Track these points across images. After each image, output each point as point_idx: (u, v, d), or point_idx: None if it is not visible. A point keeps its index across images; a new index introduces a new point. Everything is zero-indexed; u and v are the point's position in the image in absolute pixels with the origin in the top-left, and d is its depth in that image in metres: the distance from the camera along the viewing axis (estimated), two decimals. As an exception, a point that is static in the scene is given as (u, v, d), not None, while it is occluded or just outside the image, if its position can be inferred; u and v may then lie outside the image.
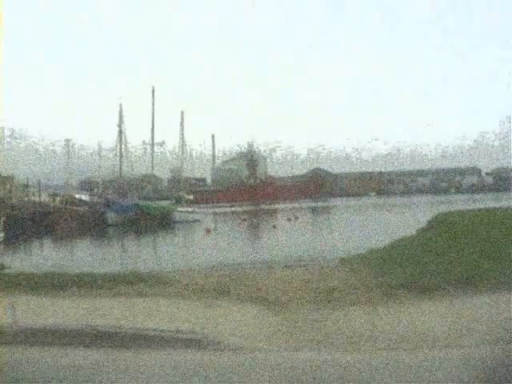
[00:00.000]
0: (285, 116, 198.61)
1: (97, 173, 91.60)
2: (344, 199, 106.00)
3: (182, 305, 10.97)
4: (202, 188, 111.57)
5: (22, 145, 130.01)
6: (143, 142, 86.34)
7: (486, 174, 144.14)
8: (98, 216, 55.27)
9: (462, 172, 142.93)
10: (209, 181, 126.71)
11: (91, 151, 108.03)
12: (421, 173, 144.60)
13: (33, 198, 59.79)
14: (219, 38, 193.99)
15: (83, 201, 61.69)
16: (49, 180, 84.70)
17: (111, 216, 55.57)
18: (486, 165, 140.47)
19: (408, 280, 11.98)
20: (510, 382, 4.99)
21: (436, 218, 32.16)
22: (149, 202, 62.46)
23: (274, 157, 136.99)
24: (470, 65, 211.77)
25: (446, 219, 29.90)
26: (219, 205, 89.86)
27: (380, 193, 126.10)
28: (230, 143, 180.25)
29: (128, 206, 57.88)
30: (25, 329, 8.03)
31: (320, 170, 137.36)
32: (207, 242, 38.86)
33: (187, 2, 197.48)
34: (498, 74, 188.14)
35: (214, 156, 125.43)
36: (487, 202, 64.70)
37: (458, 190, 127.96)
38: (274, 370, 6.21)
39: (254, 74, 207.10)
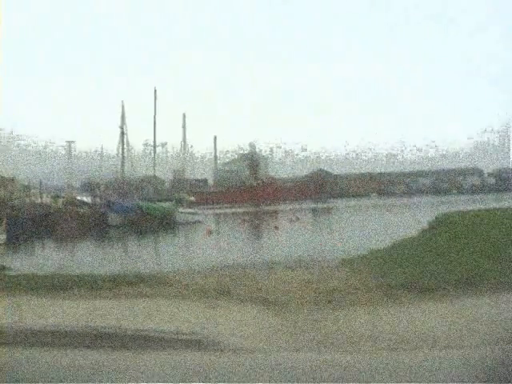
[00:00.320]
0: (286, 117, 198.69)
1: (98, 174, 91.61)
2: (346, 200, 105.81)
3: (184, 306, 10.96)
4: (203, 189, 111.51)
5: (23, 146, 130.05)
6: (145, 143, 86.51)
7: (488, 174, 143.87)
8: (100, 217, 55.28)
9: (464, 172, 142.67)
10: (210, 182, 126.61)
11: (93, 152, 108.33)
12: (422, 173, 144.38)
13: (34, 200, 59.85)
14: (220, 39, 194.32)
15: (85, 202, 61.70)
16: (50, 181, 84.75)
17: (113, 217, 55.57)
18: (488, 165, 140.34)
19: (409, 281, 11.97)
20: (510, 382, 4.99)
21: (437, 218, 32.12)
22: (150, 203, 62.40)
23: (276, 158, 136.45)
24: (472, 64, 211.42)
25: (448, 220, 29.85)
26: (221, 206, 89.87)
27: (382, 193, 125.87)
28: (232, 144, 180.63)
29: (129, 207, 57.88)
30: (26, 330, 8.06)
31: (322, 170, 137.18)
32: (209, 243, 38.87)
33: (189, 2, 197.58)
34: (500, 74, 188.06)
35: (215, 157, 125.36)
36: (489, 202, 64.62)
37: (460, 190, 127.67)
38: (274, 371, 6.22)
39: (256, 74, 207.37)
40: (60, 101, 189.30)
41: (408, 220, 47.12)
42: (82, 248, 39.46)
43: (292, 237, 40.72)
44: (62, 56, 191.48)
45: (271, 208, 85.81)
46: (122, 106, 74.81)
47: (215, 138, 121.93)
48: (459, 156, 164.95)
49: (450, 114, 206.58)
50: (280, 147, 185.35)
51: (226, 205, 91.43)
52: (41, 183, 65.22)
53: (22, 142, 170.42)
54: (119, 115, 74.75)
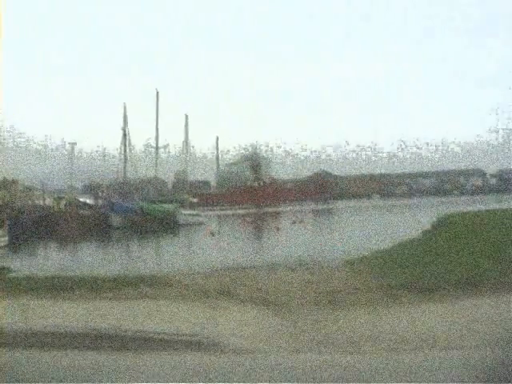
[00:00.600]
0: (288, 117, 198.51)
1: (101, 175, 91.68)
2: (347, 201, 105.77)
3: (186, 307, 10.98)
4: (205, 190, 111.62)
5: (24, 147, 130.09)
6: (147, 144, 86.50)
7: (491, 175, 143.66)
8: (102, 218, 55.33)
9: (466, 173, 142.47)
10: (213, 183, 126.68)
11: (94, 153, 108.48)
12: (424, 174, 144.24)
13: (37, 202, 59.94)
14: (223, 40, 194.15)
15: (87, 204, 61.75)
16: (52, 182, 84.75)
17: (115, 219, 55.62)
18: (490, 166, 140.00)
19: (411, 281, 11.99)
20: (510, 382, 5.00)
21: (439, 219, 32.14)
22: (153, 205, 62.44)
23: (278, 158, 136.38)
24: (475, 63, 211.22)
25: (449, 220, 29.87)
26: (223, 207, 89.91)
27: (384, 195, 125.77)
28: (234, 145, 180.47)
29: (131, 209, 57.95)
30: (27, 331, 8.07)
31: (324, 172, 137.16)
32: (211, 245, 38.88)
33: (190, 3, 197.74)
34: (503, 73, 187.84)
35: (218, 158, 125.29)
36: (491, 203, 64.57)
37: (462, 191, 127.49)
38: (274, 371, 6.23)
39: (257, 74, 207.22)
40: (61, 102, 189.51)
41: (410, 221, 47.11)
42: (84, 249, 39.51)
43: (294, 238, 40.73)
44: (63, 56, 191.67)
45: (273, 209, 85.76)
46: (124, 108, 74.93)
47: (217, 138, 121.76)
48: (461, 157, 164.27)
49: (452, 114, 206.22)
50: (281, 147, 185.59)
51: (227, 206, 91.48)
52: (42, 185, 65.27)
53: (24, 143, 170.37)
54: (121, 116, 74.91)
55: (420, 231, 28.84)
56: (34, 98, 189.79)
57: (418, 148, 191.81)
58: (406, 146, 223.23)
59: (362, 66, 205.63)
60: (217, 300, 11.55)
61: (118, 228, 53.80)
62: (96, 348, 7.55)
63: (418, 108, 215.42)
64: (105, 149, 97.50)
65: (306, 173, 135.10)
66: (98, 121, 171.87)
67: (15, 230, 43.56)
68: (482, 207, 49.50)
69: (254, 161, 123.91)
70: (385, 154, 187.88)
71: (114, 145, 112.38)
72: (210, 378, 5.98)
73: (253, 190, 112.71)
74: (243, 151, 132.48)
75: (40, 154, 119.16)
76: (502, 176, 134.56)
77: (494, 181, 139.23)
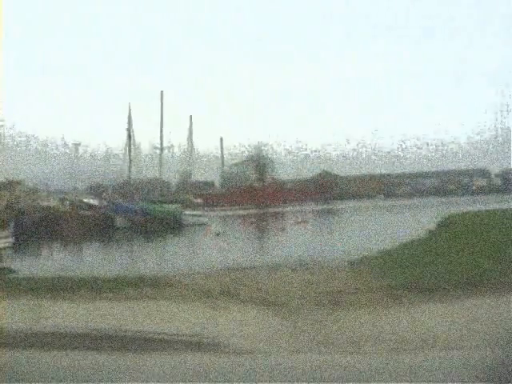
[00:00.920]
0: (291, 118, 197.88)
1: (104, 176, 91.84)
2: (351, 202, 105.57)
3: (190, 308, 11.02)
4: (209, 191, 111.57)
5: (29, 148, 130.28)
6: (151, 145, 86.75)
7: (495, 175, 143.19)
8: (106, 219, 55.39)
9: (470, 173, 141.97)
10: (216, 184, 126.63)
11: (99, 154, 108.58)
12: (428, 174, 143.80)
13: (41, 203, 60.05)
14: (225, 40, 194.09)
15: (91, 205, 61.83)
16: (57, 184, 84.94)
17: (119, 220, 55.72)
18: (495, 166, 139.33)
19: (416, 282, 12.01)
20: (510, 382, 5.01)
21: (443, 220, 32.17)
22: (156, 206, 62.50)
23: (281, 159, 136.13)
24: (480, 62, 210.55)
25: (454, 221, 29.90)
26: (227, 208, 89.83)
27: (387, 195, 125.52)
28: (238, 146, 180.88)
29: (136, 210, 58.02)
30: (30, 332, 8.12)
31: (326, 172, 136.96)
32: (215, 245, 38.90)
33: (193, 4, 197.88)
34: (505, 71, 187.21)
35: (222, 159, 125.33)
36: (496, 203, 64.34)
37: (466, 191, 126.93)
38: (276, 372, 6.25)
39: (261, 75, 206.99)
40: (65, 102, 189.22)
41: (413, 221, 47.06)
42: (88, 250, 39.60)
43: (298, 238, 40.73)
44: (66, 57, 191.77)
45: (276, 210, 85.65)
46: (129, 108, 75.12)
47: (221, 139, 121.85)
48: (464, 156, 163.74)
49: (455, 113, 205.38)
50: (285, 148, 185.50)
51: (231, 206, 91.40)
52: (46, 186, 65.42)
53: (26, 143, 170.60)
54: (125, 117, 75.11)
55: (423, 231, 28.87)
56: (37, 98, 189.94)
57: (418, 148, 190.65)
58: (407, 147, 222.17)
59: (363, 65, 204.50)
60: (219, 301, 11.59)
61: (121, 229, 53.88)
62: (97, 348, 7.58)
63: (420, 107, 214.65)
64: (108, 149, 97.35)
65: (308, 173, 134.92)
66: (102, 121, 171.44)
67: (20, 230, 43.69)
68: (486, 207, 49.44)
69: (258, 161, 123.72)
70: (387, 154, 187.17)
71: (118, 145, 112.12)
72: (210, 379, 6.02)
73: (256, 191, 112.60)
74: (246, 151, 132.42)
75: (43, 154, 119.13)
76: (506, 176, 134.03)
77: (498, 181, 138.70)
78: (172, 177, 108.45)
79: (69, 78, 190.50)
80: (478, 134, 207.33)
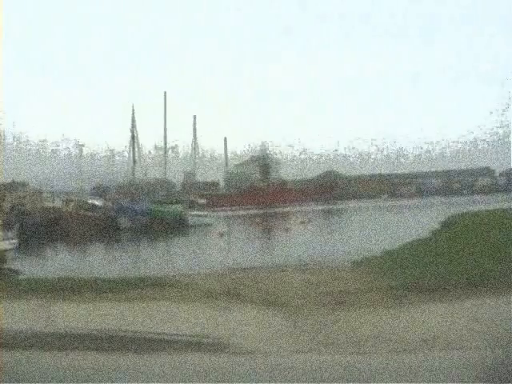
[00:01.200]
0: (296, 118, 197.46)
1: (109, 177, 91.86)
2: (356, 201, 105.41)
3: (196, 308, 11.03)
4: (214, 191, 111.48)
5: (33, 150, 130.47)
6: (155, 146, 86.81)
7: (500, 174, 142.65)
8: (111, 221, 55.47)
9: (474, 173, 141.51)
10: (221, 184, 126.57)
11: (103, 156, 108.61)
12: (432, 174, 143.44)
13: (46, 204, 60.20)
14: (230, 40, 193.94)
15: (96, 206, 61.91)
16: (62, 185, 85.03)
17: (124, 221, 55.81)
18: (500, 165, 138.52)
19: (420, 282, 12.03)
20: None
21: (448, 219, 32.15)
22: (161, 206, 62.49)
23: (286, 159, 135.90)
24: (478, 61, 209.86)
25: (458, 221, 29.86)
26: (232, 208, 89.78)
27: (392, 195, 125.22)
28: (242, 146, 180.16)
29: (140, 211, 58.08)
30: (28, 332, 8.16)
31: (332, 172, 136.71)
32: (220, 246, 38.95)
33: (196, 4, 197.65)
34: (506, 70, 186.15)
35: (226, 159, 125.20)
36: (501, 202, 64.07)
37: (471, 191, 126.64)
38: (277, 372, 6.29)
39: (265, 75, 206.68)
40: (68, 103, 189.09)
41: (418, 221, 47.00)
42: (93, 252, 39.72)
43: (303, 239, 40.76)
44: (68, 57, 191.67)
45: (281, 210, 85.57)
46: (132, 109, 75.13)
47: (225, 139, 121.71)
48: (470, 156, 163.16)
49: (461, 113, 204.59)
50: (289, 148, 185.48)
51: (236, 207, 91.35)
52: (51, 187, 65.51)
53: (30, 145, 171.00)
54: (129, 117, 75.14)
55: (428, 231, 28.84)
56: (40, 99, 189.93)
57: (426, 147, 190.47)
58: (414, 146, 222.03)
59: (367, 64, 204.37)
60: (225, 302, 11.60)
61: (126, 230, 53.97)
62: (104, 349, 7.63)
63: (427, 107, 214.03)
64: (112, 150, 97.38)
65: (313, 173, 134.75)
66: (106, 122, 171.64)
67: (25, 232, 43.83)
68: (493, 207, 49.26)
69: (262, 161, 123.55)
70: (391, 154, 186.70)
71: (121, 146, 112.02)
72: (218, 379, 6.05)
73: (261, 191, 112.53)
74: (251, 151, 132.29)
75: (48, 155, 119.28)
76: (511, 175, 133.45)
77: (503, 179, 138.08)
78: (176, 177, 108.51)
79: (71, 80, 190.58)
80: (481, 132, 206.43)
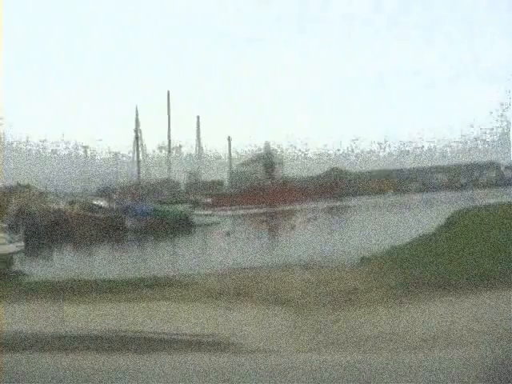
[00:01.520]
0: (300, 116, 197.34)
1: (114, 178, 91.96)
2: (361, 198, 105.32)
3: (204, 308, 11.06)
4: (219, 191, 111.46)
5: (37, 151, 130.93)
6: (159, 146, 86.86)
7: (505, 167, 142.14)
8: (117, 221, 55.48)
9: (479, 167, 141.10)
10: (226, 183, 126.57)
11: (108, 157, 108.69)
12: (437, 169, 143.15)
13: (51, 206, 60.32)
14: (234, 40, 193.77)
15: (101, 207, 62.01)
16: (67, 186, 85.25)
17: (130, 221, 55.84)
18: (505, 158, 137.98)
19: (425, 280, 12.03)
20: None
21: (453, 215, 32.11)
22: (166, 207, 62.54)
23: (291, 157, 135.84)
24: (485, 55, 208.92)
25: (464, 216, 29.82)
26: (237, 207, 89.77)
27: (398, 191, 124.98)
28: (246, 145, 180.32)
29: (146, 211, 58.11)
30: (29, 332, 8.20)
31: (337, 169, 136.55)
32: (226, 245, 38.92)
33: (202, 4, 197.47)
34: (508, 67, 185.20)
35: (230, 158, 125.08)
36: (507, 197, 63.89)
37: (476, 185, 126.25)
38: (280, 371, 6.29)
39: (269, 74, 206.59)
40: (72, 104, 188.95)
41: (425, 217, 46.93)
42: (100, 253, 39.77)
43: (309, 237, 40.79)
44: (71, 58, 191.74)
45: (287, 208, 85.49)
46: (136, 110, 75.17)
47: (229, 138, 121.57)
48: (476, 150, 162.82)
49: (465, 107, 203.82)
50: (293, 146, 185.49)
51: (241, 206, 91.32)
52: (56, 188, 65.64)
53: (35, 146, 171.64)
54: (133, 118, 75.18)
55: (434, 227, 28.77)
56: (44, 100, 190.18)
57: (430, 142, 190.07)
58: (419, 141, 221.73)
59: (371, 63, 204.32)
60: (233, 301, 11.62)
61: (132, 230, 54.02)
62: (104, 349, 7.66)
63: (431, 102, 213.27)
64: (117, 151, 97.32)
65: (318, 170, 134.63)
66: (110, 123, 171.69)
67: (31, 234, 43.95)
68: (499, 201, 49.11)
69: (267, 160, 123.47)
70: (396, 150, 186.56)
71: (126, 147, 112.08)
72: (218, 379, 6.06)
73: (266, 189, 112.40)
74: (255, 150, 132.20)
75: (52, 157, 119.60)
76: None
77: (509, 173, 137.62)
78: (181, 177, 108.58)
79: (74, 80, 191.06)
80: (485, 128, 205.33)
